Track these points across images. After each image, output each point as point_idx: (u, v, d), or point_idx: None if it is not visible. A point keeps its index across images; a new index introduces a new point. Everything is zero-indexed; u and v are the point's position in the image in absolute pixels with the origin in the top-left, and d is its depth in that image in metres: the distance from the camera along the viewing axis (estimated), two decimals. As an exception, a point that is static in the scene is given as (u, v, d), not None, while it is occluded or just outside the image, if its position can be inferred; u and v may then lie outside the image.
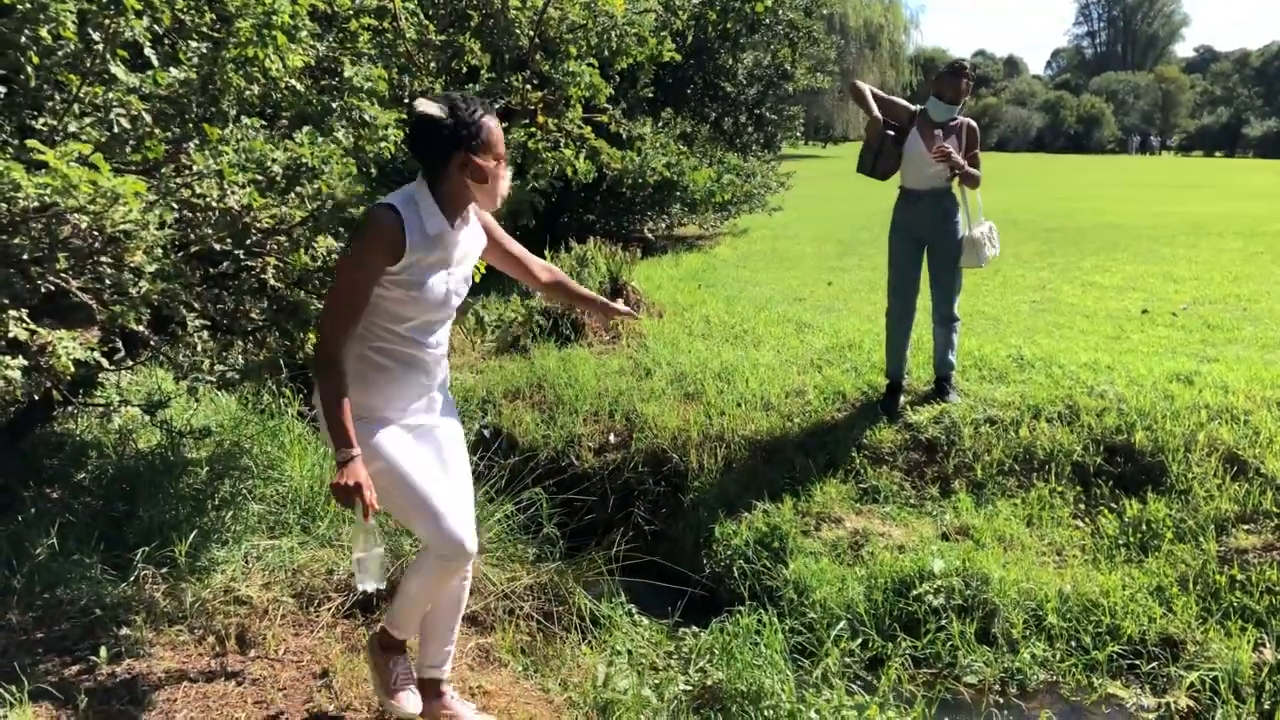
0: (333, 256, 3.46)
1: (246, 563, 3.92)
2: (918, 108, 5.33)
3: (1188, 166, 39.08)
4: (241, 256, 3.11)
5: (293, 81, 3.49)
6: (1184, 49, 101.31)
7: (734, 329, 7.45)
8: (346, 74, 3.55)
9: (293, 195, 2.71)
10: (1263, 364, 5.72)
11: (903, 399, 5.39)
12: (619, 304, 3.06)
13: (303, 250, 2.77)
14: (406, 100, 4.05)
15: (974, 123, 5.31)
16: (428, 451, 2.73)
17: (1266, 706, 3.30)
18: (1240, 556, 3.93)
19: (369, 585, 2.60)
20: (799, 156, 37.45)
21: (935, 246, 5.27)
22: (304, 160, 2.65)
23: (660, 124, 10.38)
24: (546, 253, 8.74)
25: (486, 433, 5.88)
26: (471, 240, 2.68)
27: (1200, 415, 4.77)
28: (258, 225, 2.69)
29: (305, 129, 2.75)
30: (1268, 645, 3.50)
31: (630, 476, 5.36)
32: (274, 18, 2.68)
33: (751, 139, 14.48)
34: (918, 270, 5.35)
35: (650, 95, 10.82)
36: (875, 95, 5.31)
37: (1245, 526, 4.10)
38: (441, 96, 2.49)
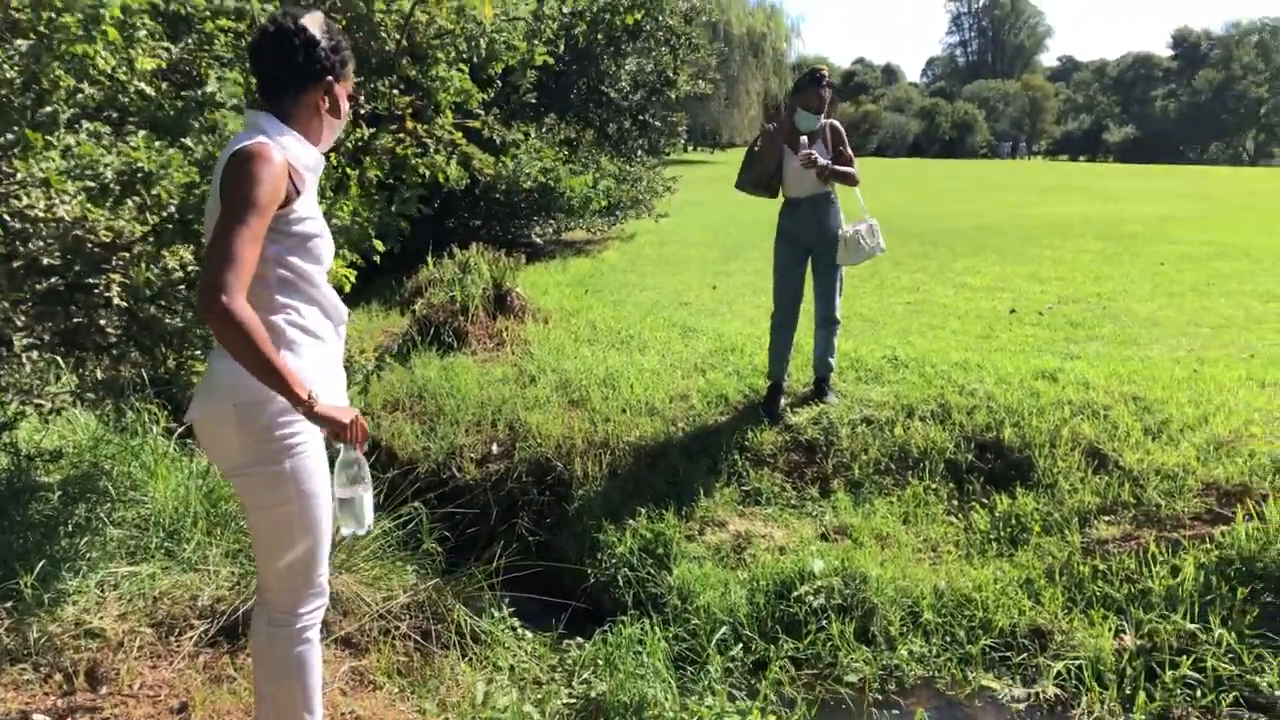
0: (190, 269, 3.30)
1: (101, 592, 3.71)
2: (773, 126, 5.44)
3: (1053, 170, 40.88)
4: (82, 272, 2.92)
5: (142, 85, 3.31)
6: (1048, 58, 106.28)
7: (620, 334, 7.43)
8: (209, 88, 3.38)
9: (130, 204, 2.55)
10: (1120, 360, 5.98)
11: (783, 401, 5.45)
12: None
13: (144, 265, 2.61)
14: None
15: (837, 123, 5.38)
16: None
17: (1127, 691, 3.42)
18: (1102, 547, 4.08)
19: (362, 528, 2.39)
20: (687, 162, 37.82)
21: (817, 251, 5.35)
22: (140, 165, 2.49)
23: (544, 129, 10.31)
24: (429, 259, 8.59)
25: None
26: None
27: (1064, 411, 4.95)
28: (93, 239, 2.52)
29: (142, 132, 2.59)
30: (1127, 632, 3.64)
31: (514, 487, 5.28)
32: (102, 11, 2.51)
33: (636, 144, 14.53)
34: (802, 275, 5.42)
35: (533, 101, 10.76)
36: (763, 149, 5.38)
37: (1106, 518, 4.26)
38: (307, 11, 2.28)
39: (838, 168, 5.22)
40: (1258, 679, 3.33)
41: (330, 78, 2.29)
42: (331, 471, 2.36)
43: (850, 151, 5.36)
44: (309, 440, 2.29)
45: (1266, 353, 6.37)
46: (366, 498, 2.40)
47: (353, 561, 4.09)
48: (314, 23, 2.25)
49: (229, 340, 2.04)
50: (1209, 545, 3.89)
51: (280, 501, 2.27)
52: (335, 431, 2.24)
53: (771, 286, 5.52)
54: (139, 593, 3.70)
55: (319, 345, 2.33)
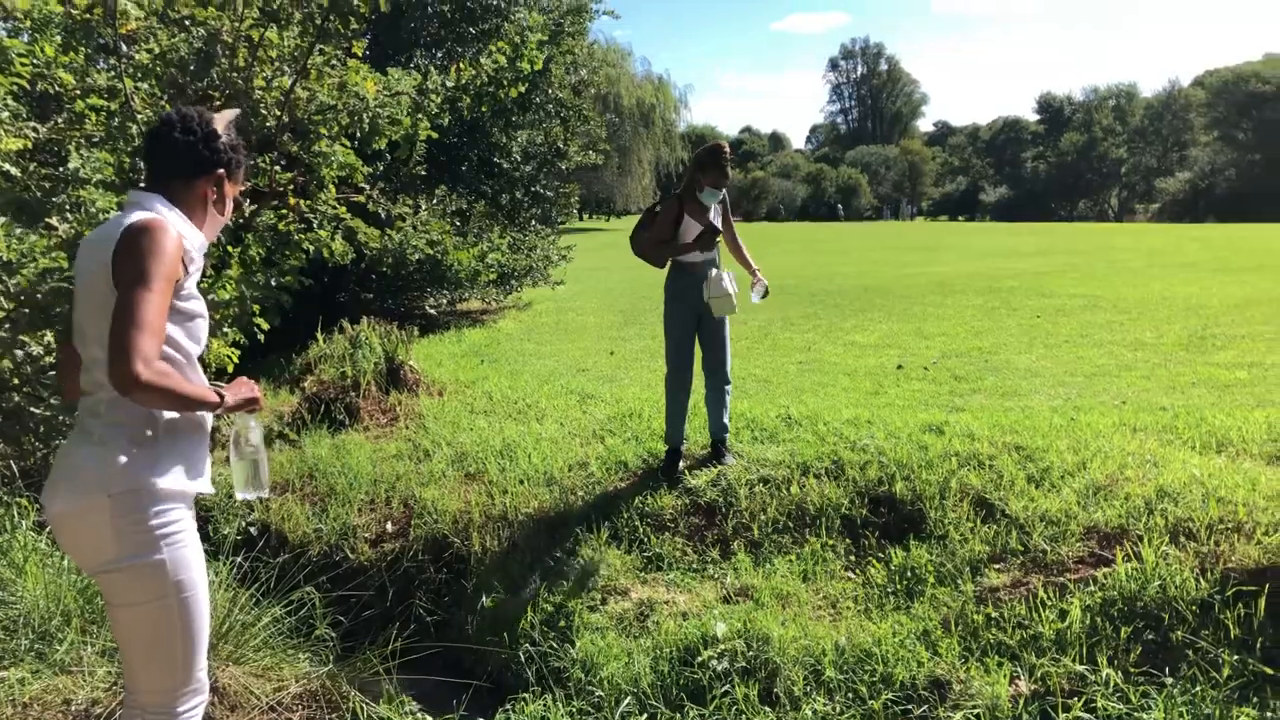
0: (52, 357, 3.16)
1: (-35, 702, 3.47)
2: (675, 194, 5.45)
3: (934, 230, 42.61)
4: (-60, 359, 2.78)
5: (6, 166, 3.21)
6: (925, 124, 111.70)
7: (517, 404, 7.38)
8: (72, 165, 3.29)
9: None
10: (1002, 411, 6.21)
11: (682, 464, 5.48)
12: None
13: (1, 352, 2.49)
14: (141, 185, 3.81)
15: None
16: None
17: (1024, 737, 3.47)
18: (993, 595, 4.18)
19: (265, 490, 2.51)
20: (582, 230, 38.19)
21: (705, 313, 5.42)
22: (-1, 254, 2.40)
23: (435, 201, 10.30)
24: (320, 334, 8.42)
25: (253, 530, 5.50)
26: None
27: (951, 463, 5.09)
28: (-51, 325, 2.40)
29: (1, 220, 2.49)
30: (1021, 678, 3.72)
31: (410, 566, 5.14)
32: (-38, 96, 2.43)
33: (530, 214, 14.62)
34: (693, 338, 5.49)
35: (423, 173, 10.74)
36: (660, 241, 5.39)
37: (996, 566, 4.37)
38: (210, 112, 2.36)
39: (746, 257, 5.61)
40: (1144, 716, 3.43)
41: (222, 171, 2.33)
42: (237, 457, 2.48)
43: (730, 220, 5.57)
44: (185, 527, 2.24)
45: (1136, 399, 6.70)
46: (264, 461, 2.54)
47: (241, 652, 3.92)
48: (220, 119, 2.34)
49: (156, 404, 2.11)
50: (1093, 587, 4.02)
51: (158, 594, 2.19)
52: (250, 406, 2.37)
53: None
54: (7, 699, 3.49)
55: (196, 426, 2.32)
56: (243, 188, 2.49)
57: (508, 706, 3.71)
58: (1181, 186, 69.70)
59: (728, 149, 5.42)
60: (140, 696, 2.28)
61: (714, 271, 5.34)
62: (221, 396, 2.24)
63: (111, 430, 2.17)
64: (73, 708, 3.51)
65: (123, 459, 2.14)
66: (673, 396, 5.51)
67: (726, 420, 5.59)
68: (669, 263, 5.52)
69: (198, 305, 2.28)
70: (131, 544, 2.15)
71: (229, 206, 2.42)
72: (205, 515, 5.66)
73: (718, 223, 5.39)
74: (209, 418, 2.39)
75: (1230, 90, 69.73)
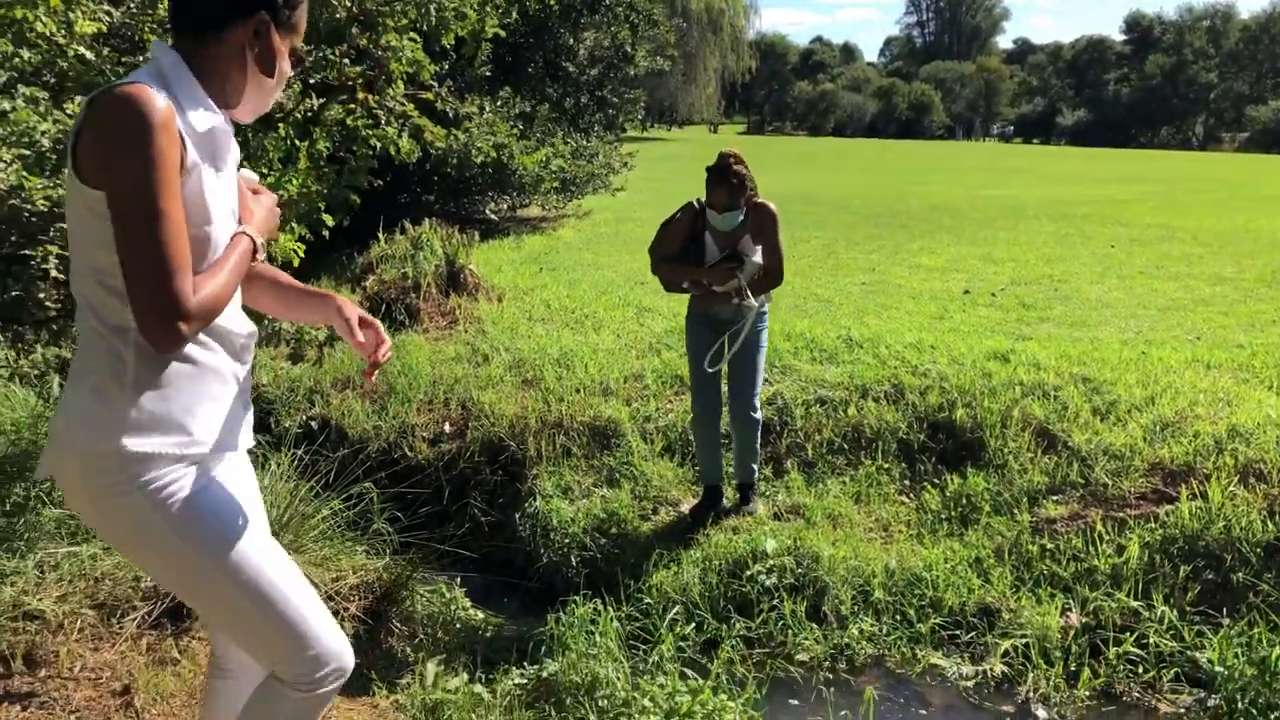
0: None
1: (41, 573, 3.61)
2: (699, 203, 4.36)
3: (1008, 152, 41.31)
4: (19, 243, 2.82)
5: (81, 50, 3.20)
6: (1004, 40, 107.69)
7: (575, 313, 7.38)
8: (150, 54, 3.27)
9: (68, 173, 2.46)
10: (1070, 341, 6.06)
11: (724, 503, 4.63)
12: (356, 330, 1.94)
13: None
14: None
15: (767, 205, 4.29)
16: (259, 514, 1.85)
17: (1072, 668, 3.48)
18: (1050, 526, 4.14)
19: None
20: (644, 139, 37.65)
21: (735, 333, 4.33)
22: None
23: (499, 103, 10.18)
24: (381, 235, 8.45)
25: (313, 424, 5.61)
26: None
27: (1015, 392, 4.99)
28: (30, 208, 2.43)
29: (79, 98, 2.50)
30: (1073, 610, 3.70)
31: (466, 467, 5.22)
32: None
33: (594, 119, 14.42)
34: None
35: (488, 74, 10.60)
36: (670, 265, 4.38)
37: (1054, 498, 4.32)
38: None
39: (750, 295, 4.19)
40: (1198, 655, 3.40)
41: (265, 13, 1.65)
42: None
43: (777, 241, 4.29)
44: (182, 485, 1.65)
45: (1211, 335, 6.50)
46: None
47: (300, 542, 4.02)
48: None
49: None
50: (1154, 524, 3.96)
51: (182, 566, 1.69)
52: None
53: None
54: (80, 573, 3.61)
55: (199, 376, 1.68)
56: (299, 42, 1.78)
57: (557, 608, 3.78)
58: (1274, 115, 66.49)
59: (734, 159, 4.20)
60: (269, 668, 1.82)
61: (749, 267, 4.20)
62: (250, 235, 1.70)
63: (79, 375, 1.64)
64: (142, 584, 3.62)
65: (86, 413, 1.61)
66: (699, 430, 4.57)
67: (755, 464, 4.60)
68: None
69: (197, 214, 1.60)
70: (113, 517, 1.65)
71: (282, 68, 1.72)
72: (268, 408, 5.78)
73: (753, 255, 4.20)
74: (228, 363, 1.74)
75: (1336, 13, 65.90)
